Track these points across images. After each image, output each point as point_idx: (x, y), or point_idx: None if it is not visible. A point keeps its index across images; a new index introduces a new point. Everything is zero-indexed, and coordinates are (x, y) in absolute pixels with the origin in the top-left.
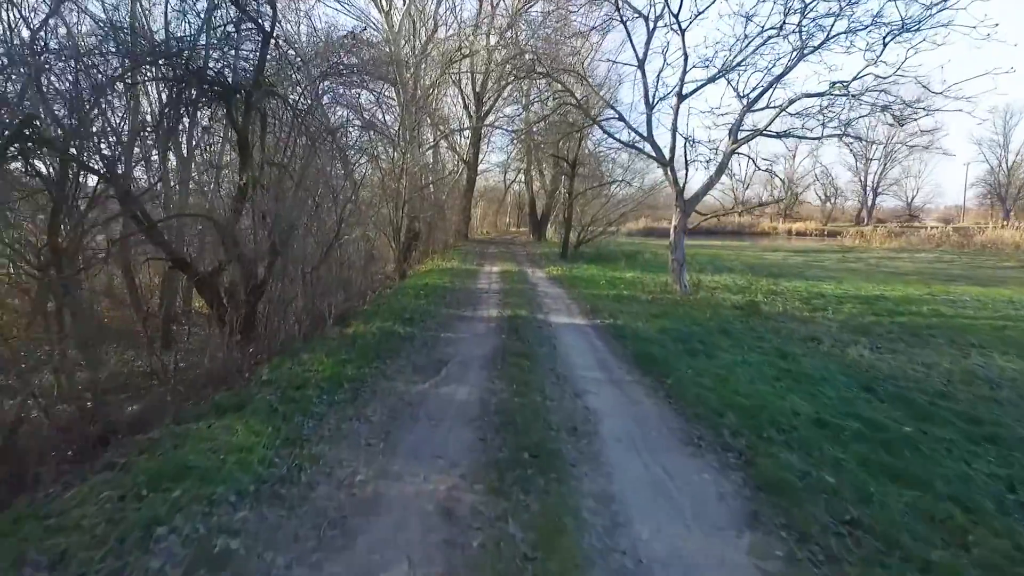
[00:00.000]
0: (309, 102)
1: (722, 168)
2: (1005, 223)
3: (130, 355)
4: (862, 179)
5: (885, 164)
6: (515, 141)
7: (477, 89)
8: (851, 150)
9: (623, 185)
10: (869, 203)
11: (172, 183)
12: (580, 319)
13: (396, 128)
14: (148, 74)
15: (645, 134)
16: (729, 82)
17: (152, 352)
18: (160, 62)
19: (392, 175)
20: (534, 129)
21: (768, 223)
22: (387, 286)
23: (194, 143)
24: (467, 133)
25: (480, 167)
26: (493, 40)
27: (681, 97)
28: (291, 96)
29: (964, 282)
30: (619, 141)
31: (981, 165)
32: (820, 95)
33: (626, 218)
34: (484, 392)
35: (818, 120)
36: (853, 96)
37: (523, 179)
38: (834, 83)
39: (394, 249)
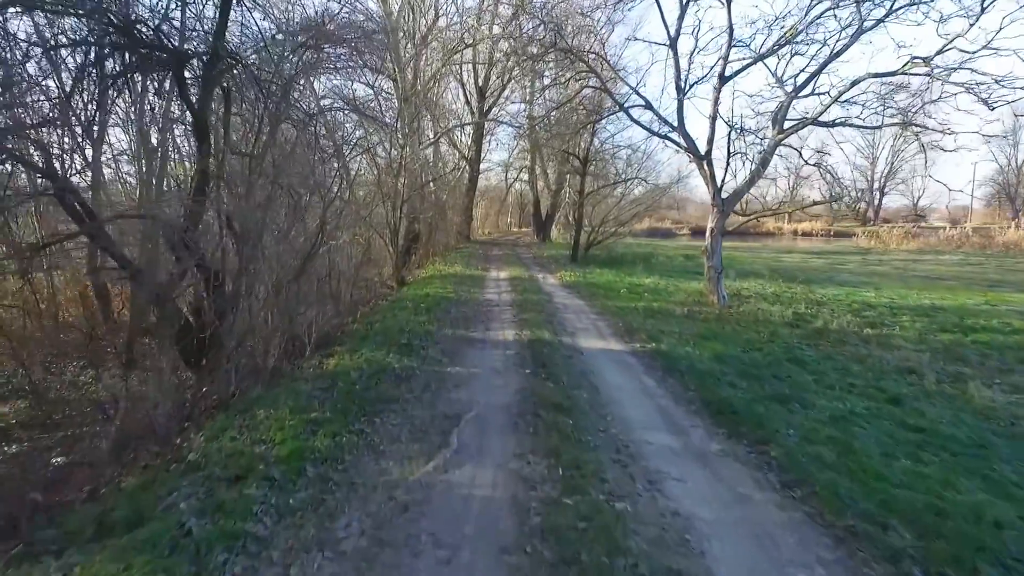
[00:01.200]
0: (285, 80)
1: (766, 161)
2: (1014, 222)
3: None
4: (868, 179)
5: (892, 163)
6: (519, 136)
7: (479, 83)
8: (918, 140)
9: (634, 184)
10: (876, 203)
11: (119, 176)
12: (615, 343)
13: (394, 121)
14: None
15: (676, 123)
16: (778, 59)
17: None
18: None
19: (390, 172)
20: (545, 122)
21: (773, 223)
22: (383, 296)
23: (145, 124)
24: (469, 130)
25: (482, 166)
26: (496, 30)
27: (723, 79)
28: (265, 72)
29: (1010, 288)
30: (649, 131)
31: (990, 164)
32: (890, 74)
33: (639, 218)
34: (516, 482)
35: (874, 108)
36: (935, 75)
37: (526, 178)
38: (914, 58)
39: (392, 253)
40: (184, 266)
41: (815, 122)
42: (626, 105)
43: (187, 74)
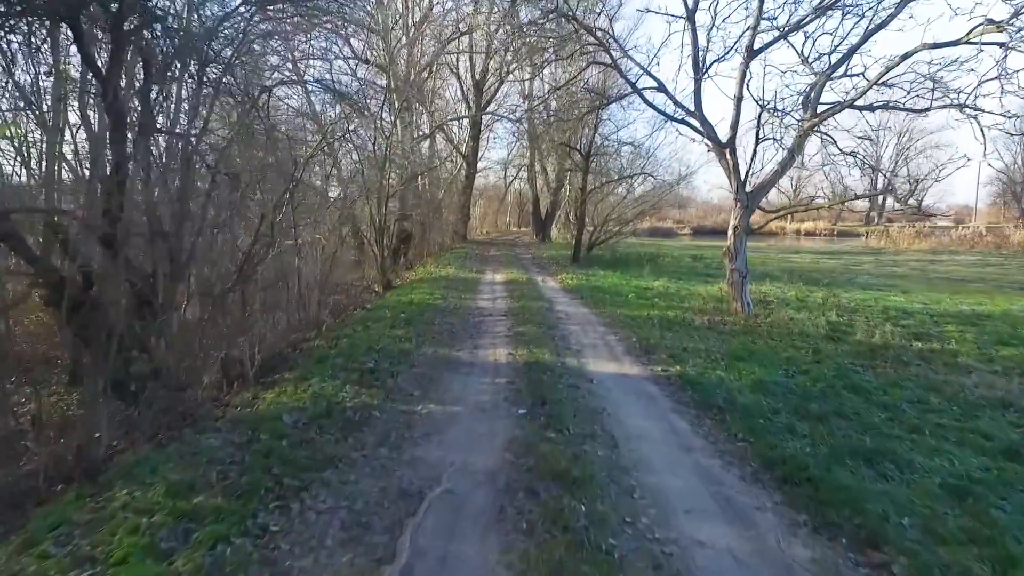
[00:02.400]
0: (226, 47)
1: (797, 150)
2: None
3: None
4: (872, 177)
5: (896, 162)
6: (518, 134)
7: (476, 77)
8: (979, 126)
9: (639, 180)
10: (880, 202)
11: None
12: (630, 364)
13: (379, 109)
14: None
15: (692, 108)
16: (806, 37)
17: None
18: None
19: (374, 165)
20: (545, 106)
21: (776, 223)
22: (364, 303)
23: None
24: (467, 125)
25: (480, 164)
26: (495, 17)
27: (752, 52)
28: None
29: None
30: (664, 114)
31: (995, 163)
32: (951, 44)
33: (643, 217)
34: None
35: (920, 89)
36: (1012, 43)
37: (525, 176)
38: (988, 21)
39: (376, 254)
40: (80, 268)
41: (853, 105)
42: (637, 88)
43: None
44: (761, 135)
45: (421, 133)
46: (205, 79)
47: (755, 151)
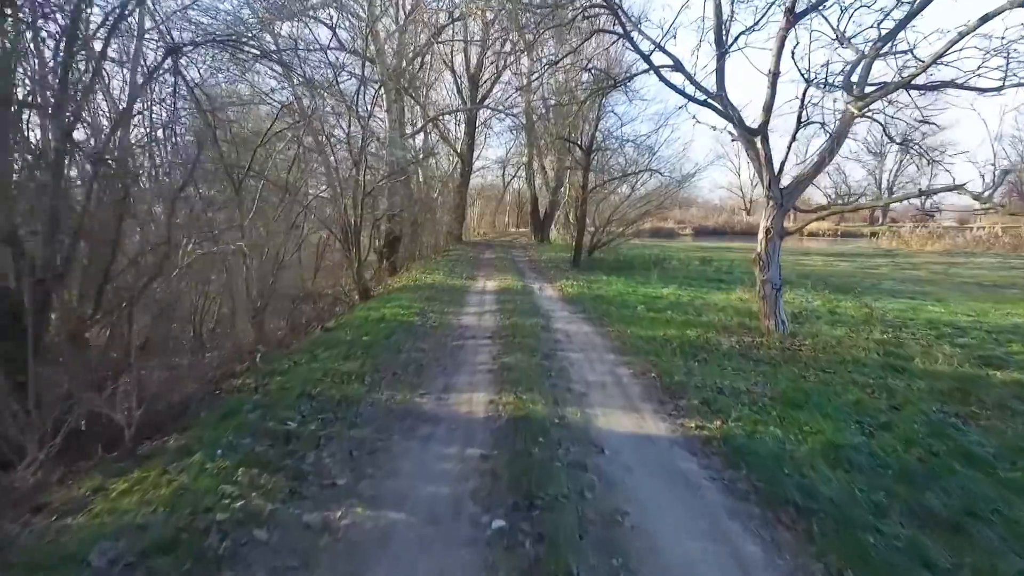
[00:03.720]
0: None
1: (841, 137)
2: None
3: None
4: (876, 177)
5: (901, 161)
6: (517, 122)
7: (472, 71)
8: None
9: (643, 178)
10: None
11: None
12: (653, 418)
13: (354, 96)
14: None
15: (714, 89)
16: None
17: None
18: None
19: (349, 157)
20: (546, 83)
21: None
22: (329, 317)
23: None
24: (461, 120)
25: (477, 163)
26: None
27: (794, 15)
28: None
29: None
30: (684, 95)
31: (1000, 162)
32: None
33: (649, 217)
34: None
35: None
36: None
37: (523, 175)
38: None
39: (351, 260)
40: None
41: (910, 85)
42: (647, 68)
43: None
44: (804, 118)
45: (413, 128)
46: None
47: (794, 138)
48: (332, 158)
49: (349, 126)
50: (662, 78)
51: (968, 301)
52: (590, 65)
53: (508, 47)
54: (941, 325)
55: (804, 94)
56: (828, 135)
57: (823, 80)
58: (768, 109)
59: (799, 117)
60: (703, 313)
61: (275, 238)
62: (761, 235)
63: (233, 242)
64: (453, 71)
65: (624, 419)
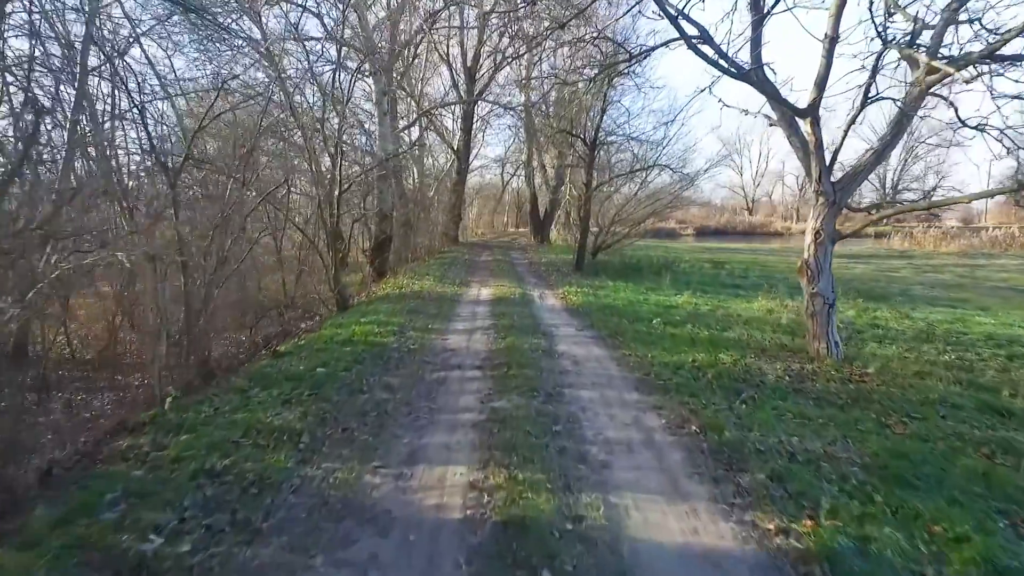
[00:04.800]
0: None
1: (909, 118)
2: None
3: None
4: (880, 176)
5: (906, 160)
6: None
7: (468, 64)
8: None
9: (652, 175)
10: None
11: None
12: (707, 511)
13: (335, 78)
14: None
15: (749, 62)
16: None
17: None
18: None
19: (316, 154)
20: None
21: (781, 223)
22: (292, 334)
23: None
24: (458, 116)
25: (475, 162)
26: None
27: None
28: None
29: None
30: (720, 69)
31: (1005, 161)
32: None
33: (659, 217)
34: None
35: None
36: None
37: (522, 173)
38: None
39: (326, 264)
40: None
41: (993, 56)
42: (676, 37)
43: None
44: (873, 94)
45: (408, 122)
46: None
47: (853, 120)
48: (310, 154)
49: (324, 112)
50: (692, 47)
51: (1012, 309)
52: (600, 38)
53: (506, 41)
54: (1004, 341)
55: (878, 59)
56: (908, 112)
57: (910, 39)
58: (821, 84)
59: (866, 91)
60: (729, 327)
61: (220, 240)
62: (808, 238)
63: (135, 248)
64: (449, 64)
65: (669, 517)
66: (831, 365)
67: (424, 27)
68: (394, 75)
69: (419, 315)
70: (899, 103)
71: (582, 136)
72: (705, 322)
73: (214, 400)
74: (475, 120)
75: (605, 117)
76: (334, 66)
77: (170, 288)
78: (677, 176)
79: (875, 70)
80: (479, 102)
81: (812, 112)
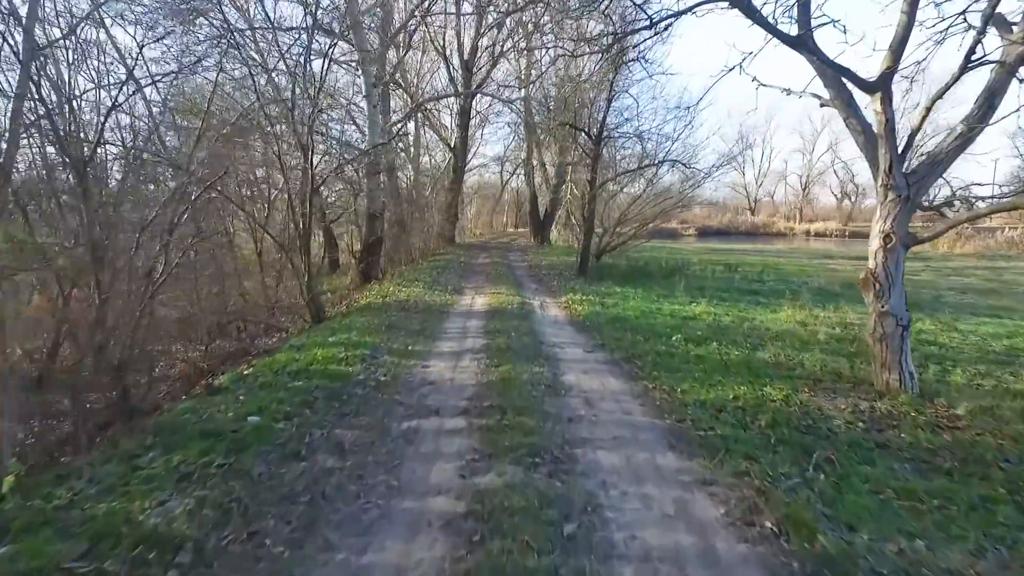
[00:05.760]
0: None
1: (1003, 90)
2: None
3: None
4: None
5: (911, 160)
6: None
7: (465, 56)
8: None
9: (663, 171)
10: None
11: None
12: None
13: (306, 60)
14: None
15: (798, 31)
16: None
17: None
18: None
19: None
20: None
21: (784, 223)
22: (240, 359)
23: None
24: (455, 112)
25: (474, 161)
26: None
27: None
28: None
29: None
30: (772, 32)
31: (1011, 161)
32: None
33: (668, 217)
34: None
35: None
36: None
37: (522, 172)
38: None
39: (299, 273)
40: None
41: None
42: (701, 1)
43: None
44: (973, 59)
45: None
46: None
47: (951, 85)
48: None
49: (293, 92)
50: (740, 3)
51: None
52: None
53: (504, 34)
54: None
55: (993, 9)
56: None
57: None
58: (898, 50)
59: (969, 53)
60: (760, 345)
61: (148, 246)
62: (875, 244)
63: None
64: (445, 57)
65: None
66: (908, 403)
67: (417, 14)
68: (387, 68)
69: (399, 332)
70: (1010, 68)
71: (586, 130)
72: (731, 338)
73: (83, 474)
74: (472, 116)
75: (611, 109)
76: (304, 42)
77: (75, 306)
78: (688, 173)
79: (985, 24)
80: (477, 96)
81: (883, 85)
